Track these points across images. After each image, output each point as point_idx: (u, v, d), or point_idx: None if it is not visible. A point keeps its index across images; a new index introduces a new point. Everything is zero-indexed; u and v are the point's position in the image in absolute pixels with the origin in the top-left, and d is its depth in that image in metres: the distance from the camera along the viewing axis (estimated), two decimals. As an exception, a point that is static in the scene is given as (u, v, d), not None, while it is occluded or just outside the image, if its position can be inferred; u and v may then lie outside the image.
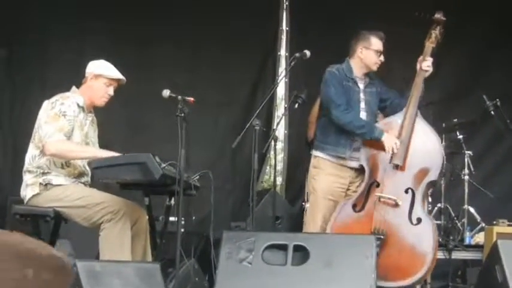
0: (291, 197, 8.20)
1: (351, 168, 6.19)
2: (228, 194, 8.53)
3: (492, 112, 7.49)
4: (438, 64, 8.00)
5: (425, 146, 6.05)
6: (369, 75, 6.31)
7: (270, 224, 6.76)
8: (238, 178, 8.44)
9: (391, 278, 5.61)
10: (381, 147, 6.02)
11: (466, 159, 7.73)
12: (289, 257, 4.92)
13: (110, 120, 7.56)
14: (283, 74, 7.98)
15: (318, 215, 6.14)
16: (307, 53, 6.13)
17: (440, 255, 7.08)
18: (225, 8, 8.48)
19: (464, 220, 7.65)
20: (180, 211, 5.16)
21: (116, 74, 5.60)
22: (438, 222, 7.58)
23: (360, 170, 6.14)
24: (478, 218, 7.68)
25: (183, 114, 5.22)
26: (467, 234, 7.61)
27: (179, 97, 5.29)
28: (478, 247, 7.29)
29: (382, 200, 5.91)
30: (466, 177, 7.73)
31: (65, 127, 5.32)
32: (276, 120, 8.35)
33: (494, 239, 6.35)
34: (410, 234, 5.81)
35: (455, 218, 7.66)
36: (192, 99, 5.35)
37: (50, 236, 5.51)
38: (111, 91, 5.59)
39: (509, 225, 7.09)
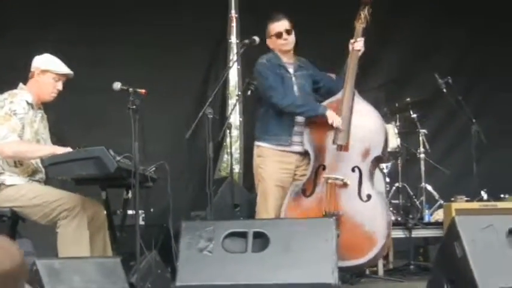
0: (248, 184, 8.18)
1: (295, 152, 6.18)
2: (187, 184, 8.49)
3: (444, 90, 7.52)
4: (385, 45, 8.03)
5: (366, 123, 6.07)
6: (298, 59, 6.31)
7: (229, 211, 6.74)
8: (197, 168, 8.36)
9: (348, 257, 5.62)
10: (323, 130, 6.02)
11: (421, 138, 7.81)
12: (250, 244, 4.93)
13: (64, 117, 7.48)
14: (234, 60, 7.94)
15: (270, 203, 6.11)
16: (257, 39, 6.09)
17: (401, 234, 7.16)
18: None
19: (423, 198, 7.73)
20: (137, 204, 5.09)
21: (64, 69, 5.51)
22: (396, 201, 7.64)
23: (305, 154, 6.15)
24: (436, 196, 7.76)
25: (134, 106, 5.14)
26: (427, 212, 7.69)
27: (130, 89, 5.20)
28: (437, 224, 7.37)
29: (330, 181, 5.93)
30: (422, 156, 7.81)
31: (17, 127, 5.24)
32: (229, 108, 8.32)
33: (453, 215, 6.41)
34: (362, 211, 5.85)
35: (413, 197, 7.73)
36: (143, 90, 5.25)
37: (8, 236, 5.43)
38: (60, 86, 5.50)
39: (467, 201, 7.17)
